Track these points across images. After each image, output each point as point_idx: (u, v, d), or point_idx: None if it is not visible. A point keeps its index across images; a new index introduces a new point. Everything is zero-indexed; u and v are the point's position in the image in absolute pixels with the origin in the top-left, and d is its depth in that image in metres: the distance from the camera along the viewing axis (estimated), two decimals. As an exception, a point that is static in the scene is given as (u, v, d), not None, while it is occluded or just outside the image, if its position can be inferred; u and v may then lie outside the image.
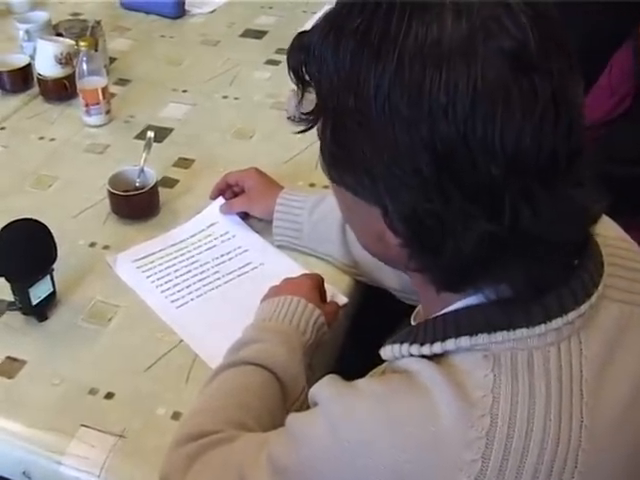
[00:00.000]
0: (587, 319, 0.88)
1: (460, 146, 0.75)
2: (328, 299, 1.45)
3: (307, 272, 1.48)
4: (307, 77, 0.87)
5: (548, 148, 0.76)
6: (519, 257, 0.81)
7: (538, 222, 0.78)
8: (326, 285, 1.45)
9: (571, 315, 0.85)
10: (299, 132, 0.91)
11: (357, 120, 0.80)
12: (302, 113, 0.88)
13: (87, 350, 1.41)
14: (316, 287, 1.39)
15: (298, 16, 2.67)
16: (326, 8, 0.86)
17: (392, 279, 1.44)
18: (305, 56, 0.86)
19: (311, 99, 0.88)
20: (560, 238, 0.81)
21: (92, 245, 1.65)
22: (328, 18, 0.85)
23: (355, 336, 1.57)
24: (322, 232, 1.53)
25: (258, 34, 2.61)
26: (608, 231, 1.02)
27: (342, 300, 1.50)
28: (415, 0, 0.78)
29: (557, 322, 0.84)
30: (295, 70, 0.88)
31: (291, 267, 1.56)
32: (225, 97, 2.22)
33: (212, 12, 2.78)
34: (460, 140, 0.75)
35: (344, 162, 0.85)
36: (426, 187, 0.77)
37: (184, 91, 2.25)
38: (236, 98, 2.21)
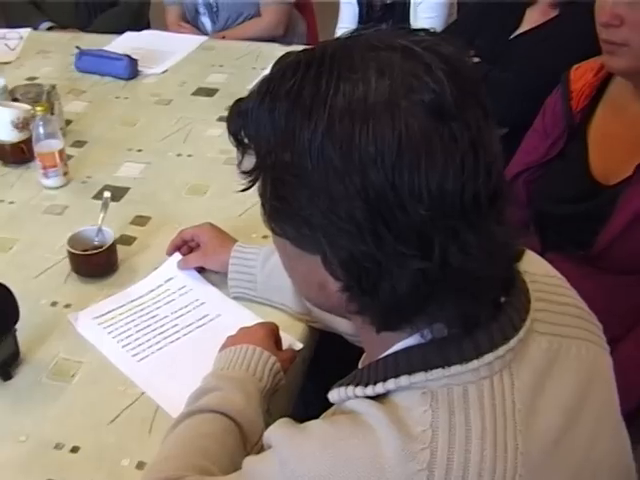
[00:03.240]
0: (517, 352, 0.93)
1: (389, 192, 0.81)
2: (284, 346, 1.51)
3: (262, 321, 1.54)
4: (246, 140, 0.94)
5: (470, 190, 0.83)
6: (451, 294, 0.87)
7: (466, 259, 0.84)
8: (281, 332, 1.51)
9: (501, 350, 0.91)
10: (241, 190, 0.97)
11: (294, 173, 0.86)
12: (242, 172, 0.95)
13: (52, 406, 1.45)
14: (271, 335, 1.45)
15: (248, 73, 2.76)
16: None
17: (345, 324, 1.49)
18: (243, 120, 0.92)
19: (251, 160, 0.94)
20: (487, 273, 0.87)
21: (54, 304, 1.69)
22: (263, 83, 0.91)
23: (317, 380, 1.62)
24: (275, 282, 1.59)
25: (209, 92, 2.69)
26: (536, 268, 1.09)
27: (297, 346, 1.55)
28: (342, 61, 0.86)
29: (488, 357, 0.90)
30: (235, 134, 0.94)
31: (247, 317, 1.62)
32: (179, 155, 2.29)
33: (164, 72, 2.87)
34: (389, 187, 0.81)
35: (284, 214, 0.91)
36: (361, 231, 0.83)
37: (139, 150, 2.32)
38: (189, 155, 2.28)
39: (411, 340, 0.93)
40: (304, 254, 0.92)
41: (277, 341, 1.48)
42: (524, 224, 2.03)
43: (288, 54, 0.93)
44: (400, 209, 0.82)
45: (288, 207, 0.89)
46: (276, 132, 0.87)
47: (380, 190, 0.82)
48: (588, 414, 1.00)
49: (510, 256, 0.93)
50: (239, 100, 0.95)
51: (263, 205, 0.94)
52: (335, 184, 0.83)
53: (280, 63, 0.92)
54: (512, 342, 0.92)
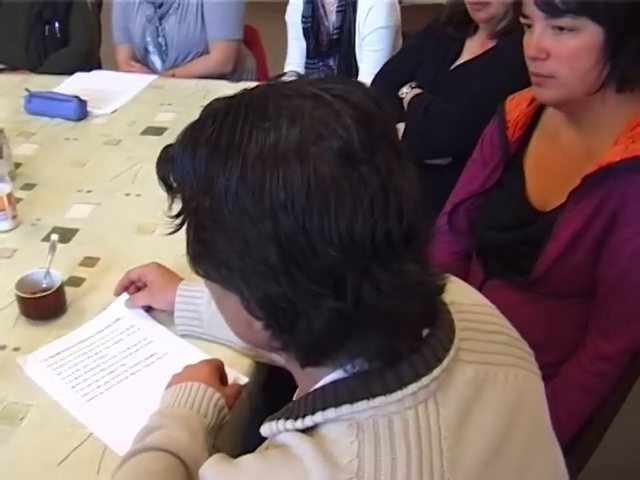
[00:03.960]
0: (442, 382, 0.96)
1: (300, 236, 0.85)
2: (230, 381, 1.53)
3: (207, 358, 1.56)
4: (174, 184, 0.97)
5: (381, 231, 0.86)
6: (369, 330, 0.91)
7: (381, 297, 0.88)
8: (227, 368, 1.54)
9: (425, 380, 0.94)
10: (169, 233, 1.00)
11: (213, 218, 0.90)
12: (169, 216, 0.98)
13: (0, 450, 1.46)
14: (215, 371, 1.48)
15: (196, 111, 2.68)
16: None
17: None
18: (170, 166, 0.96)
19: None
20: (403, 310, 0.91)
21: (3, 348, 1.71)
22: (187, 130, 0.95)
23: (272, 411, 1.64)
24: (220, 319, 1.58)
25: (158, 131, 2.72)
26: (464, 298, 1.12)
27: (242, 380, 1.58)
28: (257, 110, 0.90)
29: (412, 387, 0.93)
30: (163, 179, 0.98)
31: (194, 354, 1.64)
32: (127, 194, 2.31)
33: (114, 112, 2.90)
34: (300, 230, 0.85)
35: (206, 257, 0.95)
36: (275, 273, 0.87)
37: (88, 191, 2.34)
38: (138, 195, 2.31)
39: (337, 374, 0.96)
40: (229, 294, 0.95)
41: (222, 377, 1.50)
42: (468, 252, 2.07)
43: (216, 100, 0.97)
44: (312, 252, 0.85)
45: (208, 251, 0.93)
46: (197, 178, 0.91)
47: (291, 234, 0.85)
48: (517, 438, 1.03)
49: (428, 292, 0.95)
50: (168, 146, 0.98)
51: (187, 249, 0.97)
52: (249, 229, 0.87)
53: (205, 110, 0.96)
54: (436, 372, 0.95)
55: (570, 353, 1.79)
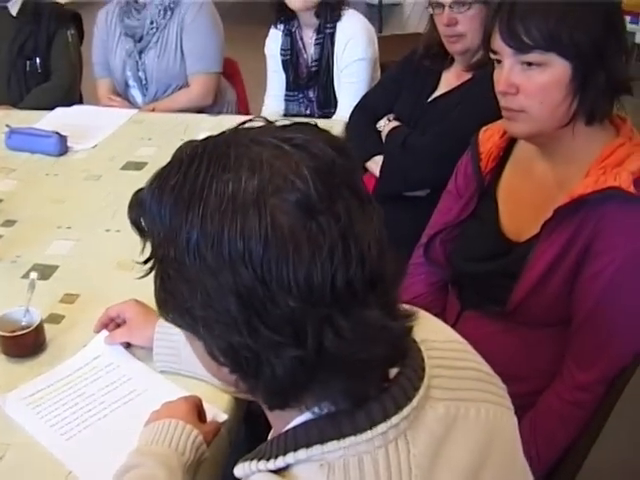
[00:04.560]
0: (413, 420, 0.97)
1: (259, 286, 0.87)
2: (209, 418, 1.54)
3: (186, 394, 1.57)
4: (146, 228, 0.99)
5: (342, 279, 0.87)
6: (333, 375, 0.92)
7: (343, 344, 0.89)
8: (206, 404, 1.54)
9: (394, 419, 0.95)
10: (140, 277, 1.01)
11: (176, 268, 0.92)
12: (138, 262, 0.99)
13: (-22, 491, 1.46)
14: (194, 408, 1.48)
15: (176, 145, 2.74)
16: (202, 136, 0.98)
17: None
18: (141, 210, 0.98)
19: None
20: (368, 356, 0.92)
21: (-18, 387, 1.71)
22: (156, 176, 0.97)
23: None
24: (198, 355, 1.62)
25: (138, 165, 2.73)
26: (436, 335, 1.13)
27: (221, 417, 1.58)
28: (218, 159, 0.91)
29: (382, 427, 0.94)
30: (135, 223, 1.00)
31: (173, 391, 1.65)
32: (107, 230, 2.32)
33: (94, 147, 2.91)
34: (259, 281, 0.86)
35: (170, 305, 0.97)
36: (236, 323, 0.88)
37: (68, 227, 2.35)
38: (118, 231, 2.31)
39: (308, 415, 0.97)
40: (195, 339, 0.97)
41: (201, 414, 1.51)
42: (445, 283, 2.09)
43: (188, 143, 0.98)
44: (271, 302, 0.87)
45: (173, 299, 0.95)
46: (164, 227, 0.93)
47: (250, 285, 0.87)
48: (490, 474, 1.04)
49: (393, 336, 0.96)
50: (139, 190, 1.00)
51: (155, 294, 0.99)
52: (210, 280, 0.88)
53: (175, 155, 0.98)
54: (405, 410, 0.97)
55: (548, 382, 1.80)
